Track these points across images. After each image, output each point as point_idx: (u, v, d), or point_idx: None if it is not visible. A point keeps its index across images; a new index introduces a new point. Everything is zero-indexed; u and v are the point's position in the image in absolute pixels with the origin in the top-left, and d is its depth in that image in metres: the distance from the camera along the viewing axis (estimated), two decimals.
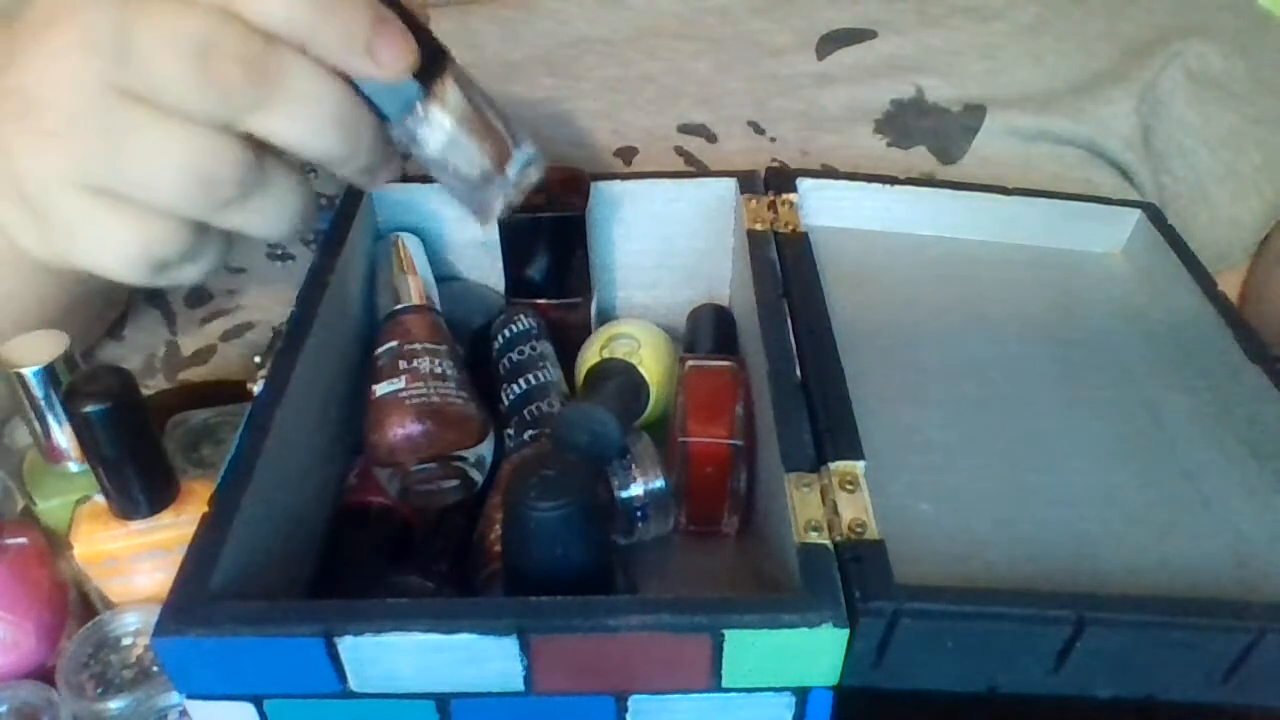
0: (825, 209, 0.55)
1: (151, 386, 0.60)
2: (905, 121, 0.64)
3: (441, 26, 0.63)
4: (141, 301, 0.63)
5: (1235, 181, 0.69)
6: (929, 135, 0.64)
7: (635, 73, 0.65)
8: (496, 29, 0.66)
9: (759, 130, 0.64)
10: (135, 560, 0.44)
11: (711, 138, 0.63)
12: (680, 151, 0.63)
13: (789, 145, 0.63)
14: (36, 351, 0.44)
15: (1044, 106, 0.65)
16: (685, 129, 0.64)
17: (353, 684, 0.34)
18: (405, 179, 0.56)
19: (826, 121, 0.64)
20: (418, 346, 0.48)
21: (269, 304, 0.61)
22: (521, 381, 0.51)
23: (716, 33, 0.67)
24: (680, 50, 0.66)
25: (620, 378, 0.50)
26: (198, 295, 0.63)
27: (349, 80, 0.37)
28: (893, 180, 0.56)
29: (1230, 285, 0.72)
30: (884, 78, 0.65)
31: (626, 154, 0.63)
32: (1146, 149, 0.67)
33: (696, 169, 0.62)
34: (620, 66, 0.65)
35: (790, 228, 0.52)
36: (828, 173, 0.59)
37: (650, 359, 0.54)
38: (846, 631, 0.33)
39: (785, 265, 0.50)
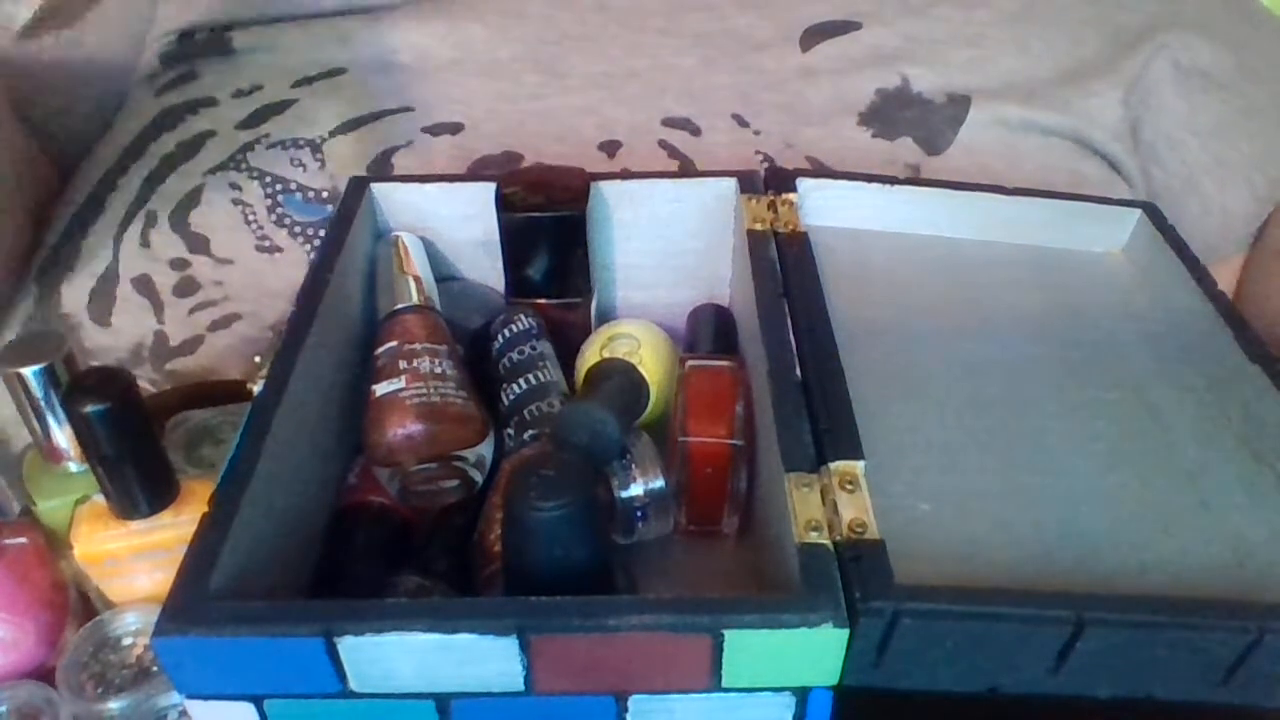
0: (825, 209, 0.55)
1: (140, 376, 0.60)
2: (890, 113, 0.64)
3: (432, 26, 0.63)
4: (130, 291, 0.63)
5: (1225, 172, 0.69)
6: (914, 126, 0.64)
7: (620, 69, 0.66)
8: (484, 27, 0.66)
9: (743, 123, 0.64)
10: (135, 560, 0.44)
11: (695, 131, 0.63)
12: (664, 145, 0.63)
13: (773, 138, 0.63)
14: (36, 351, 0.44)
15: (1029, 96, 0.65)
16: (669, 123, 0.64)
17: (353, 684, 0.34)
18: (405, 178, 0.56)
19: (811, 114, 0.64)
20: (418, 346, 0.48)
21: (256, 295, 0.61)
22: (521, 381, 0.51)
23: (701, 28, 0.67)
24: (665, 46, 0.66)
25: (620, 378, 0.49)
26: (186, 285, 0.63)
27: None
28: (892, 180, 0.56)
29: (1222, 278, 0.72)
30: (868, 69, 0.65)
31: (610, 148, 0.63)
32: (1135, 141, 0.67)
33: (680, 162, 0.62)
34: (605, 63, 0.65)
35: (790, 227, 0.52)
36: (827, 172, 0.59)
37: (650, 359, 0.54)
38: (846, 631, 0.33)
39: (785, 265, 0.50)
